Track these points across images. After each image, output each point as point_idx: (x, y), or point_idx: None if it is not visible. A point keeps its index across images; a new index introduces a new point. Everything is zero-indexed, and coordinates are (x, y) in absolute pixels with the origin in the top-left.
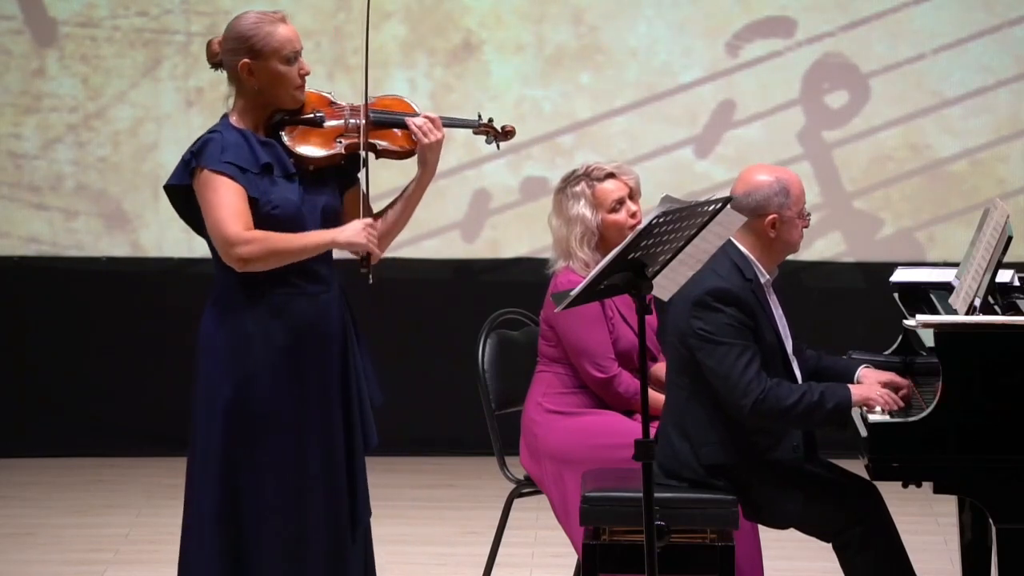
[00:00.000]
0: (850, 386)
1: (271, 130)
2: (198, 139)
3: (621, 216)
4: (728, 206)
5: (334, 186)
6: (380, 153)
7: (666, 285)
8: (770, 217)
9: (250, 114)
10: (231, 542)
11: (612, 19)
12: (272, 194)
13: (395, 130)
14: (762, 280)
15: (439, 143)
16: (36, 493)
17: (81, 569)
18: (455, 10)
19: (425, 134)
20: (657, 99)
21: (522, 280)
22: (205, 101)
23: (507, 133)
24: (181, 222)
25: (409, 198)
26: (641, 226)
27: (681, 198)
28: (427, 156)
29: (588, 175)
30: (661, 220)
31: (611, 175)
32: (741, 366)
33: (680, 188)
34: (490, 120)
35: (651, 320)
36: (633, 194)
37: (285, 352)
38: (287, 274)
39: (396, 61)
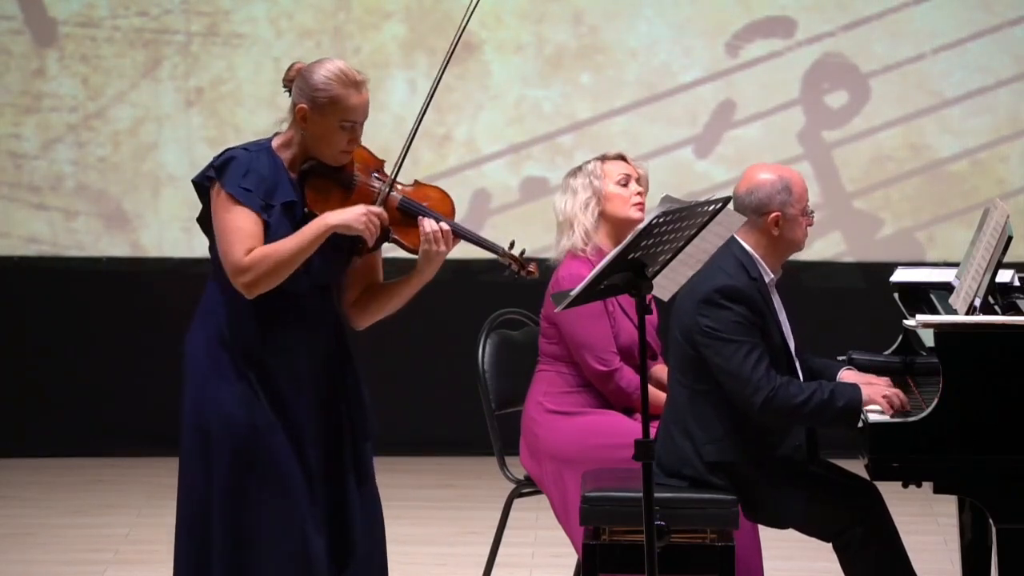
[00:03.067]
0: (861, 385)
1: (301, 175)
2: (225, 151)
3: (626, 191)
4: (728, 206)
5: (345, 250)
6: (393, 241)
7: (666, 285)
8: (773, 215)
9: (292, 150)
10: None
11: (612, 19)
12: (281, 230)
13: (413, 227)
14: (767, 279)
15: (441, 256)
16: (36, 493)
17: (81, 569)
18: (455, 10)
19: (431, 242)
20: (657, 99)
21: (522, 280)
22: (205, 101)
23: (529, 273)
24: (181, 222)
25: (401, 289)
26: (641, 226)
27: (681, 198)
28: (424, 265)
29: (600, 157)
30: (661, 220)
31: (622, 157)
32: (751, 363)
33: (680, 188)
34: (522, 252)
35: (652, 318)
36: (641, 180)
37: (268, 383)
38: (279, 305)
39: (396, 61)
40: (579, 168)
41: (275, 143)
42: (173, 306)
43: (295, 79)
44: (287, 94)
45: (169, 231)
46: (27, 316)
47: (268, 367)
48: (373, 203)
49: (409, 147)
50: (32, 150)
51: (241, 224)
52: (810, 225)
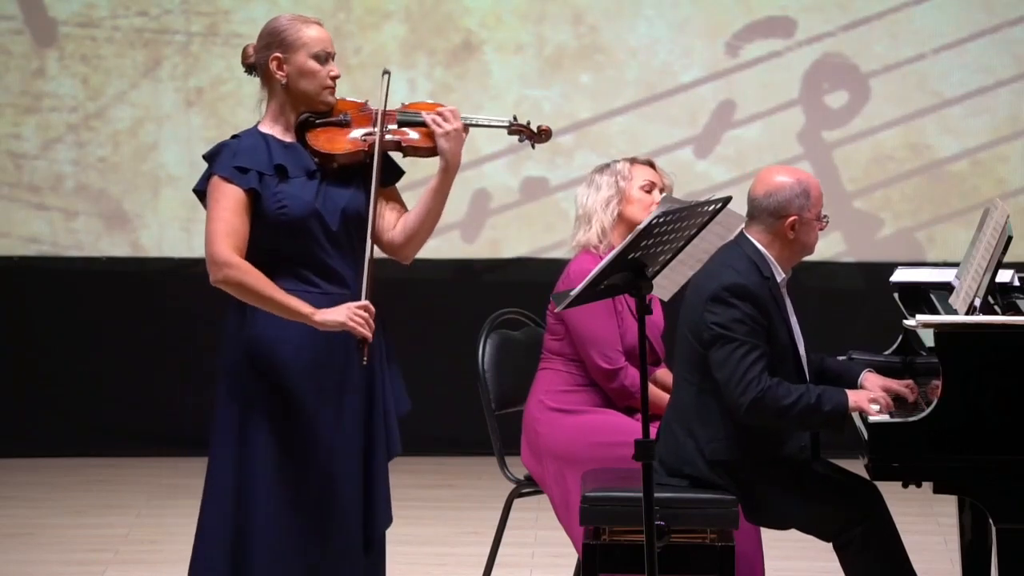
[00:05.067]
0: (848, 391)
1: (297, 130)
2: (216, 145)
3: (648, 198)
4: (728, 206)
5: (359, 187)
6: (406, 151)
7: (666, 285)
8: (791, 219)
9: (280, 117)
10: (237, 541)
11: (612, 19)
12: (283, 194)
13: (419, 127)
14: (779, 278)
15: (457, 133)
16: (36, 493)
17: (81, 569)
18: (455, 10)
19: (439, 124)
20: (657, 99)
21: (522, 280)
22: (205, 101)
23: (542, 132)
24: (181, 222)
25: (434, 190)
26: (641, 226)
27: (681, 198)
28: (444, 146)
29: (631, 159)
30: (661, 220)
31: (651, 164)
32: (746, 364)
33: (680, 188)
34: (528, 122)
35: (658, 322)
36: (665, 191)
37: (302, 353)
38: (306, 273)
39: (396, 61)
40: (607, 165)
41: (262, 126)
42: (173, 306)
43: (255, 51)
44: (252, 76)
45: (169, 231)
46: (27, 316)
47: (298, 347)
48: (372, 125)
49: (388, 83)
50: (32, 150)
51: (228, 215)
52: (822, 230)
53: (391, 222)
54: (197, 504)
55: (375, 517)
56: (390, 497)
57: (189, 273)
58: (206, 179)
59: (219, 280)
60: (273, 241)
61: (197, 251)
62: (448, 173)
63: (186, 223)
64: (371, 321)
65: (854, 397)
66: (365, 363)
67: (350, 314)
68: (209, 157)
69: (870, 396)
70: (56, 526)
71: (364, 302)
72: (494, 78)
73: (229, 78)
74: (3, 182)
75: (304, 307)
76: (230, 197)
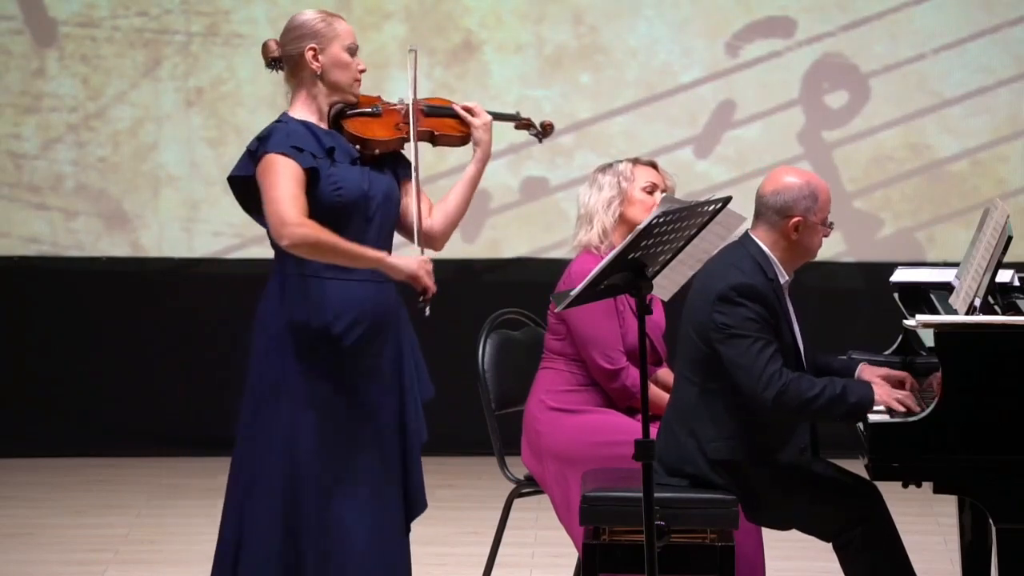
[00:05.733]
0: (873, 385)
1: (332, 121)
2: (264, 129)
3: (650, 199)
4: (728, 206)
5: (392, 174)
6: (438, 140)
7: (666, 285)
8: (795, 220)
9: (312, 105)
10: (287, 522)
11: (612, 19)
12: (336, 176)
13: (448, 119)
14: (781, 280)
15: (489, 124)
16: (36, 493)
17: (81, 569)
18: (455, 10)
19: (476, 115)
20: (657, 99)
21: (522, 280)
22: (205, 101)
23: (546, 128)
24: (181, 222)
25: (471, 179)
26: (641, 226)
27: (681, 198)
28: (482, 137)
29: (634, 159)
30: (661, 220)
31: (654, 165)
32: (765, 358)
33: (680, 188)
34: (529, 119)
35: (659, 322)
36: (666, 193)
37: (341, 339)
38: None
39: (396, 61)
40: (610, 165)
41: (294, 114)
42: (173, 306)
43: (282, 45)
44: (276, 73)
45: (169, 231)
46: (27, 316)
47: (337, 335)
48: (401, 115)
49: (416, 60)
50: (32, 150)
51: (291, 185)
52: (826, 236)
53: (426, 210)
54: (197, 504)
55: (415, 503)
56: (424, 483)
57: (189, 273)
58: (254, 161)
59: (296, 240)
60: (319, 223)
61: (197, 251)
62: (482, 162)
63: (186, 223)
64: (432, 276)
65: (880, 393)
66: (428, 313)
67: (422, 263)
68: (264, 138)
69: (896, 396)
70: (56, 526)
71: (428, 257)
72: (494, 78)
73: (229, 78)
74: (3, 182)
75: (376, 252)
76: (291, 170)
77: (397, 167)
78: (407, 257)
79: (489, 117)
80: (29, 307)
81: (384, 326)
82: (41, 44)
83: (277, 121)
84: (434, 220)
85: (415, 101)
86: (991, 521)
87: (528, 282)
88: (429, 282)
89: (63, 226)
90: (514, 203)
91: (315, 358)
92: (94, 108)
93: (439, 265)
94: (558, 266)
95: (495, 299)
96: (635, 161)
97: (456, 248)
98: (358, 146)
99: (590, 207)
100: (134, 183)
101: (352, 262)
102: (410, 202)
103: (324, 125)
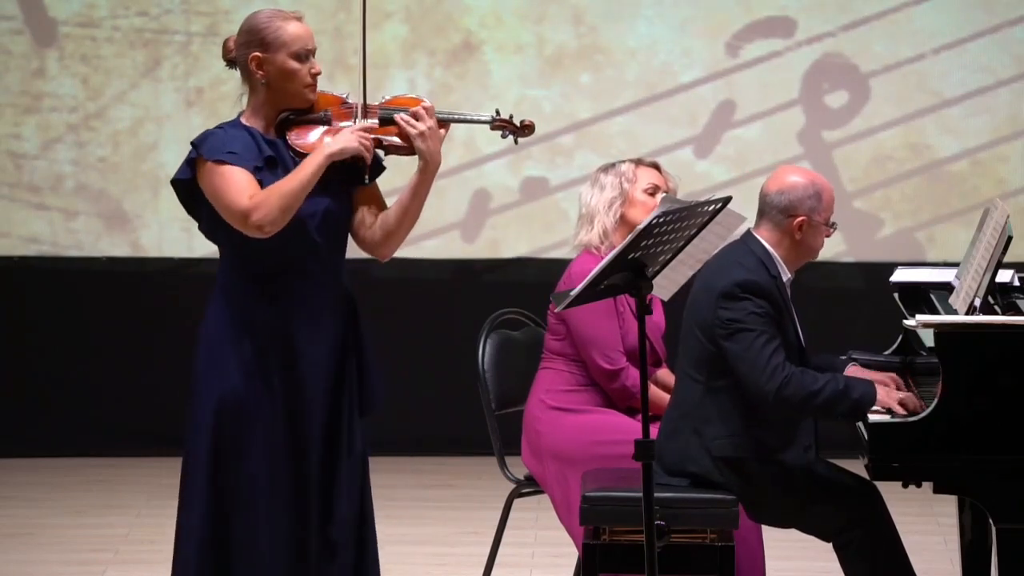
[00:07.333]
0: (876, 384)
1: (278, 128)
2: (200, 134)
3: (651, 200)
4: (727, 206)
5: (339, 188)
6: (387, 149)
7: (666, 285)
8: (799, 219)
9: (261, 112)
10: (220, 536)
11: (612, 19)
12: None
13: (393, 126)
14: (784, 278)
15: (432, 131)
16: (36, 493)
17: (81, 569)
18: (455, 10)
19: (411, 124)
20: (657, 99)
21: (522, 280)
22: (205, 101)
23: (525, 128)
24: (181, 222)
25: (412, 190)
26: (641, 226)
27: (681, 198)
28: (420, 146)
29: (636, 160)
30: (661, 220)
31: (657, 166)
32: (768, 352)
33: (680, 188)
34: (510, 116)
35: (659, 323)
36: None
37: (272, 338)
38: (281, 268)
39: (396, 61)
40: (612, 165)
41: (243, 118)
42: (173, 306)
43: (236, 45)
44: (232, 70)
45: (169, 231)
46: (27, 316)
47: (269, 345)
48: (352, 122)
49: (365, 70)
50: (32, 150)
51: (237, 177)
52: (828, 236)
53: (370, 219)
54: None
55: (334, 508)
56: (359, 491)
57: (189, 273)
58: (191, 162)
59: (259, 222)
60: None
61: (197, 251)
62: (426, 173)
63: (186, 223)
64: (372, 144)
65: (882, 393)
66: (368, 182)
67: (359, 136)
68: (199, 143)
69: (898, 397)
70: (56, 526)
71: (368, 123)
72: (494, 78)
73: (229, 78)
74: (3, 182)
75: (317, 155)
76: (231, 169)
77: (350, 178)
78: (341, 136)
79: (432, 123)
80: (29, 307)
81: (319, 322)
82: (41, 44)
83: (217, 127)
84: (374, 231)
85: (366, 106)
86: (991, 521)
87: (528, 282)
88: (362, 151)
89: (63, 226)
90: (514, 203)
91: (238, 360)
92: (94, 108)
93: (439, 265)
94: (558, 266)
95: (495, 299)
96: (638, 162)
97: (456, 248)
98: (299, 159)
99: (591, 207)
100: (134, 183)
101: (310, 184)
102: (361, 212)
103: (272, 134)
